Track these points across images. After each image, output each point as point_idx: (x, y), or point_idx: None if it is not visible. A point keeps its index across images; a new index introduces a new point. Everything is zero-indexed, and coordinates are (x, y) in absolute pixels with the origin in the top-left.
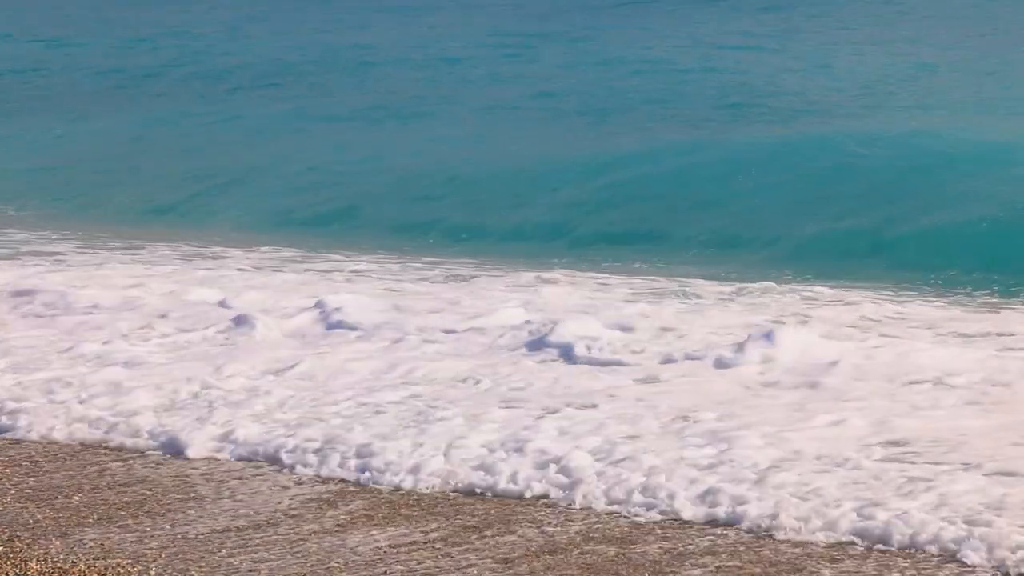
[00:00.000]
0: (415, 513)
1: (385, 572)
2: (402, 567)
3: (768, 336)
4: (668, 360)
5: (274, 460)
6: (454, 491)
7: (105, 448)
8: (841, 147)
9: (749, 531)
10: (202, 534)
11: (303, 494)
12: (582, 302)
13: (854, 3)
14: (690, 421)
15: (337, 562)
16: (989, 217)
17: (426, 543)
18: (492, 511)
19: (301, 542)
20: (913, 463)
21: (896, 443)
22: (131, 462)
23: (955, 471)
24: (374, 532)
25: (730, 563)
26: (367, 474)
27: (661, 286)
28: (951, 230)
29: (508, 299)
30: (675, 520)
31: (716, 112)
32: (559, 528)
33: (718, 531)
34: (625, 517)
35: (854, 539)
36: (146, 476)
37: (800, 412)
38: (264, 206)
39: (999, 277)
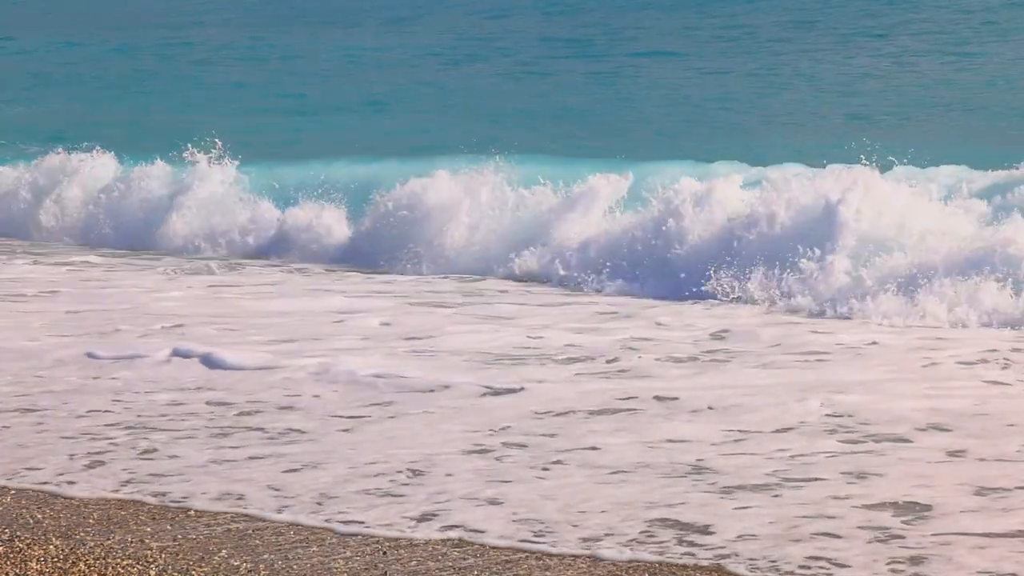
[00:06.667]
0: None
1: (385, 572)
2: (402, 567)
3: None
4: None
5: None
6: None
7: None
8: None
9: None
10: (202, 535)
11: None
12: None
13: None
14: None
15: (337, 562)
16: None
17: (425, 543)
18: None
19: (301, 542)
20: None
21: None
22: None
23: None
24: (372, 534)
25: None
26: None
27: None
28: None
29: None
30: None
31: None
32: None
33: None
34: None
35: None
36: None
37: None
38: None
39: None
